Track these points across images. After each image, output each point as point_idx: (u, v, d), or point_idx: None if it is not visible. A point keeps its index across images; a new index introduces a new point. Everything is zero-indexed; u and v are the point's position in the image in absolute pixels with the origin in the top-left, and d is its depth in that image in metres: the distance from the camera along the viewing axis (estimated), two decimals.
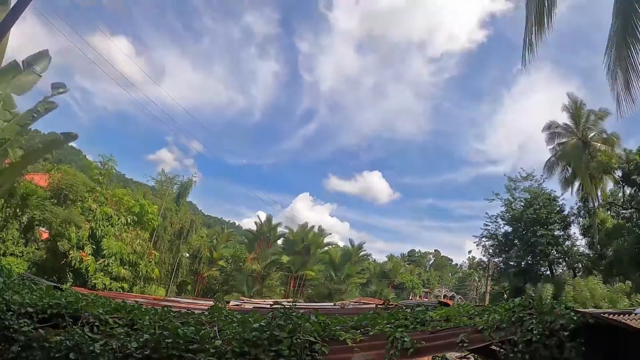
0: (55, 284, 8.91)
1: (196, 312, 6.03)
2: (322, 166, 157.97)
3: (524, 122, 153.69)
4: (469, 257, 71.28)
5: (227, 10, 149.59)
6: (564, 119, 36.41)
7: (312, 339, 4.62)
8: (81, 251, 27.39)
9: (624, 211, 34.37)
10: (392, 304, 8.29)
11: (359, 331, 5.01)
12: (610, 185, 35.76)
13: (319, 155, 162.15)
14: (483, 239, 38.44)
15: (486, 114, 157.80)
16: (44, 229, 27.95)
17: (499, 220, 37.63)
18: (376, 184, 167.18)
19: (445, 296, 77.09)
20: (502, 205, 37.26)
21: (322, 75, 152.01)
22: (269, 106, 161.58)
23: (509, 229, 37.15)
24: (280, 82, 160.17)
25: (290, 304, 5.88)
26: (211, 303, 7.91)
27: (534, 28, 9.28)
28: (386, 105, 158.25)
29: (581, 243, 36.85)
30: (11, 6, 10.73)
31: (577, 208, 36.47)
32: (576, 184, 36.10)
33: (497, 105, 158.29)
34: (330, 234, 64.47)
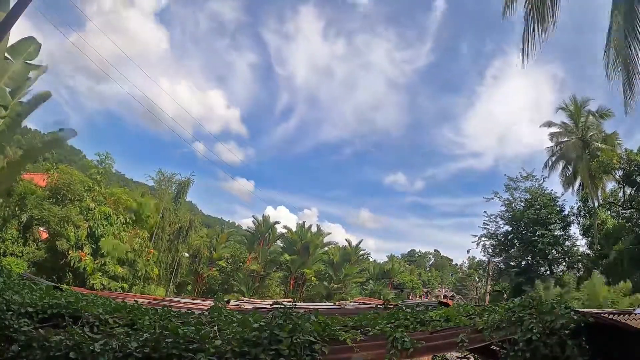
0: (55, 284, 8.91)
1: (196, 312, 6.03)
2: (305, 162, 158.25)
3: (504, 110, 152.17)
4: (468, 257, 71.32)
5: None
6: (561, 117, 36.53)
7: (312, 339, 4.62)
8: (80, 251, 27.39)
9: (624, 211, 34.36)
10: (392, 304, 8.29)
11: (359, 331, 5.01)
12: (610, 185, 35.82)
13: (301, 151, 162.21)
14: (482, 239, 38.45)
15: (463, 103, 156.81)
16: (43, 229, 27.95)
17: (499, 219, 37.66)
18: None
19: (445, 296, 77.14)
20: (501, 205, 37.32)
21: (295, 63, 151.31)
22: (247, 101, 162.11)
23: (508, 228, 37.14)
24: (256, 75, 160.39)
25: (290, 304, 5.89)
26: (211, 303, 7.90)
27: (536, 25, 9.28)
28: (361, 97, 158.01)
29: (581, 243, 36.90)
30: (11, 7, 10.73)
31: (577, 208, 36.53)
32: (576, 184, 36.15)
33: (473, 93, 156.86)
34: (330, 233, 64.54)
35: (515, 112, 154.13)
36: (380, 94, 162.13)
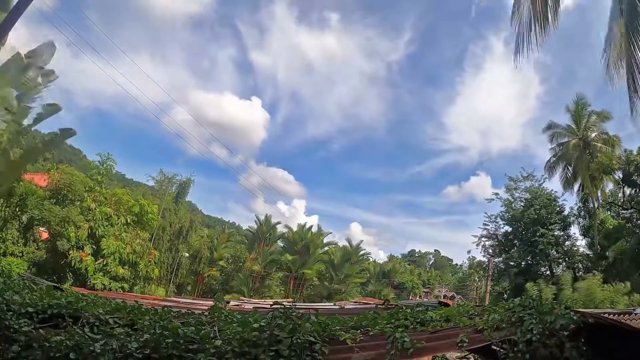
0: (55, 284, 8.92)
1: (196, 312, 6.03)
2: (291, 159, 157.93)
3: (489, 101, 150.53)
4: (469, 257, 71.25)
5: None
6: (561, 116, 36.59)
7: (312, 339, 4.63)
8: (81, 251, 27.39)
9: (624, 212, 34.33)
10: (392, 304, 8.30)
11: (359, 331, 5.01)
12: (610, 186, 35.80)
13: (286, 148, 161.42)
14: (483, 239, 38.43)
15: (445, 97, 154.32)
16: (43, 229, 27.95)
17: (499, 220, 37.62)
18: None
19: (445, 296, 77.09)
20: (501, 205, 37.29)
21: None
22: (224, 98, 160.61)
23: (508, 229, 37.13)
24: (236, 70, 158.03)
25: (290, 304, 5.89)
26: (211, 303, 7.91)
27: (534, 25, 9.21)
28: (342, 91, 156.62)
29: (581, 243, 36.87)
30: (11, 7, 10.75)
31: (578, 208, 36.50)
32: (577, 184, 36.15)
33: (455, 85, 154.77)
34: (330, 232, 64.48)
35: (501, 103, 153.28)
36: (361, 89, 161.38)
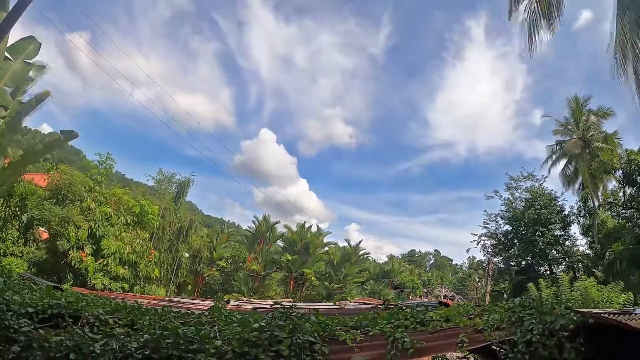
0: (55, 284, 8.91)
1: (196, 312, 6.03)
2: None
3: (476, 94, 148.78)
4: (469, 257, 71.23)
5: None
6: (562, 115, 36.61)
7: (312, 339, 4.63)
8: (81, 251, 27.38)
9: (624, 211, 34.31)
10: (392, 304, 8.29)
11: (359, 331, 5.00)
12: (610, 185, 35.79)
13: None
14: (483, 238, 38.38)
15: (426, 90, 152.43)
16: (43, 229, 27.94)
17: (499, 219, 37.59)
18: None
19: (445, 296, 77.14)
20: (502, 204, 37.30)
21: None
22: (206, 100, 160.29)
23: (509, 228, 37.10)
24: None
25: (290, 304, 5.89)
26: (211, 303, 7.91)
27: (540, 21, 9.21)
28: (325, 87, 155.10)
29: (581, 243, 36.86)
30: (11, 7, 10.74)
31: (578, 208, 36.48)
32: (577, 183, 36.14)
33: (439, 79, 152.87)
34: (330, 232, 64.52)
35: (489, 97, 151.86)
36: (344, 84, 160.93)
